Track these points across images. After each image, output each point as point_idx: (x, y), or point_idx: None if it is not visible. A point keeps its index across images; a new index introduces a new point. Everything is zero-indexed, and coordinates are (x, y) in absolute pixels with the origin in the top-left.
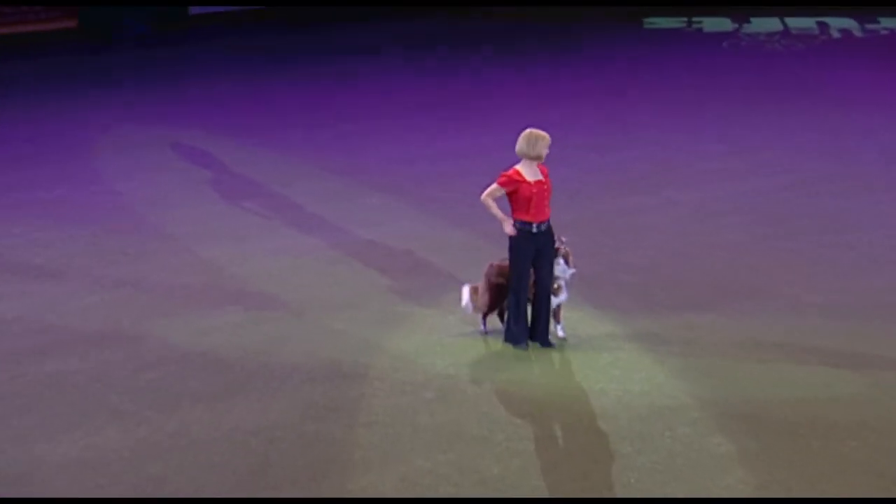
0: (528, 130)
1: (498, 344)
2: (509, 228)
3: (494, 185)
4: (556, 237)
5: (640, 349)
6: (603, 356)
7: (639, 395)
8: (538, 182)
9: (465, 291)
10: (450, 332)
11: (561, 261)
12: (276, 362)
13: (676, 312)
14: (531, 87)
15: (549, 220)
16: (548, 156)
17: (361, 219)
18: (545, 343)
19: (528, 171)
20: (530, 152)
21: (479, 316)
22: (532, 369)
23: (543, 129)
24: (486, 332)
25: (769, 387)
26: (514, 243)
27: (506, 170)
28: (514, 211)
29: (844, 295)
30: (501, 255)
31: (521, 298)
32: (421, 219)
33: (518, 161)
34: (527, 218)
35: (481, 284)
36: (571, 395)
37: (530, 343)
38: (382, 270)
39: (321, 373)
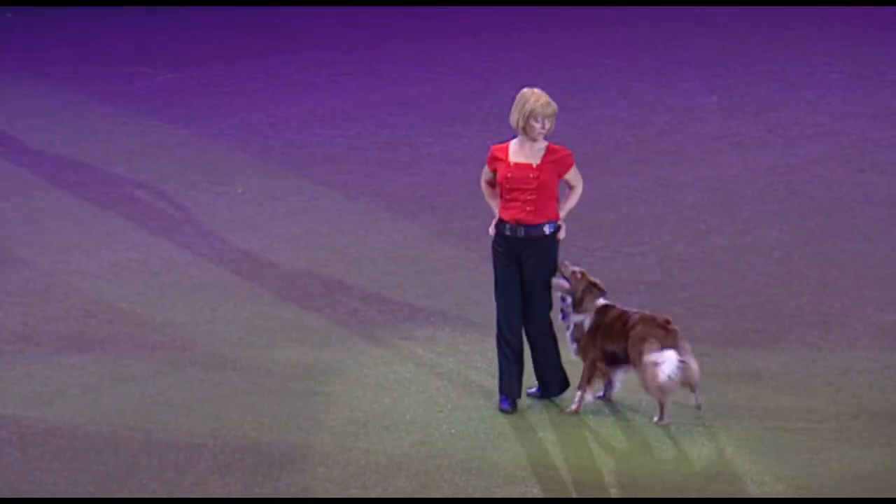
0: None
1: (483, 406)
2: (490, 226)
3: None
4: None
5: (689, 411)
6: (639, 423)
7: (707, 481)
8: (522, 166)
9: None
10: (409, 392)
11: (568, 297)
12: (164, 441)
13: (724, 351)
14: (434, 22)
15: (536, 226)
16: (471, 123)
17: (229, 218)
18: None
19: (518, 149)
20: (511, 121)
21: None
22: (540, 445)
23: (475, 81)
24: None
25: (891, 467)
26: (493, 246)
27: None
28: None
29: None
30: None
31: (500, 332)
32: (316, 216)
33: None
34: (501, 213)
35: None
36: (608, 482)
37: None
38: (281, 298)
39: (234, 457)
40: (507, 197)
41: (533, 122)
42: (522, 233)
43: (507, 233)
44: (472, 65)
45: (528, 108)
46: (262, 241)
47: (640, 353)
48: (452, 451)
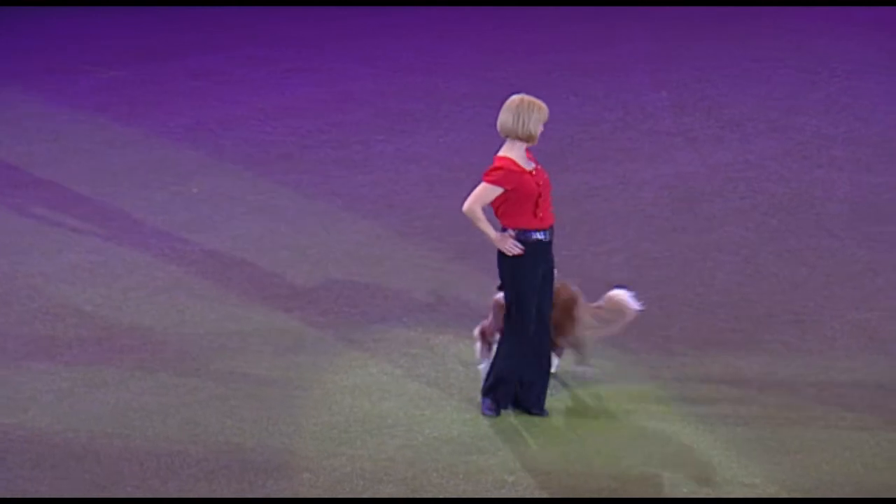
0: (515, 97)
1: (463, 408)
2: (512, 245)
3: (485, 186)
4: None
5: (674, 413)
6: (623, 425)
7: (698, 484)
8: (539, 171)
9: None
10: (387, 395)
11: None
12: (144, 448)
13: (704, 352)
14: (375, 19)
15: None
16: (420, 121)
17: (187, 218)
18: (539, 410)
19: (521, 159)
20: (519, 130)
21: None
22: (526, 448)
23: (421, 78)
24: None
25: (882, 467)
26: (519, 265)
27: (491, 164)
28: (509, 218)
29: None
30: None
31: (516, 366)
32: (275, 216)
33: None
34: (535, 224)
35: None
36: (598, 485)
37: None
38: (249, 300)
39: (218, 464)
40: (538, 205)
41: (542, 128)
42: (552, 234)
43: (545, 238)
44: (416, 62)
45: (543, 114)
46: (224, 242)
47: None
48: (438, 455)
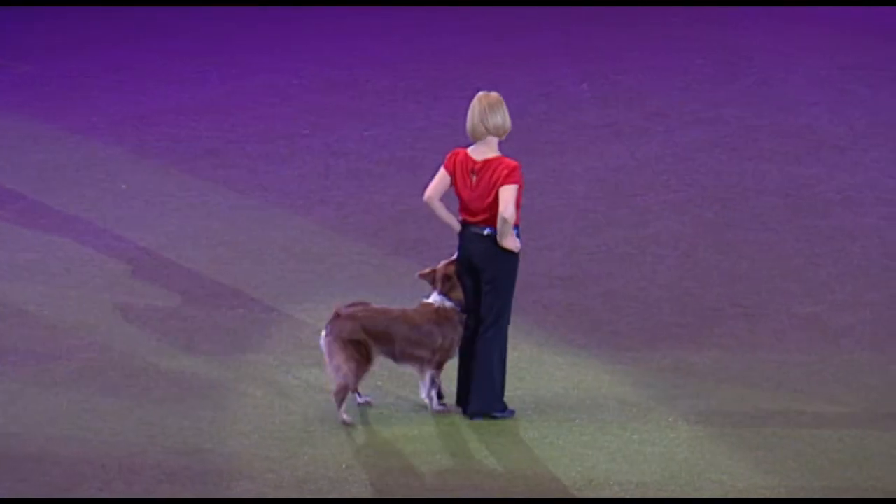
0: (491, 96)
1: (420, 407)
2: (519, 243)
3: (515, 188)
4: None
5: (633, 409)
6: (583, 423)
7: (664, 482)
8: None
9: None
10: (322, 399)
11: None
12: (102, 450)
13: (652, 346)
14: (291, 13)
15: None
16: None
17: (119, 215)
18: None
19: None
20: (507, 126)
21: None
22: (489, 448)
23: (342, 72)
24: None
25: (848, 462)
26: (517, 262)
27: (511, 164)
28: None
29: (875, 308)
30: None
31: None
32: (207, 212)
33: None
34: (518, 219)
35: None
36: (564, 484)
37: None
38: (191, 298)
39: (179, 465)
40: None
41: None
42: None
43: None
44: (335, 55)
45: None
46: (159, 239)
47: None
48: (399, 454)
